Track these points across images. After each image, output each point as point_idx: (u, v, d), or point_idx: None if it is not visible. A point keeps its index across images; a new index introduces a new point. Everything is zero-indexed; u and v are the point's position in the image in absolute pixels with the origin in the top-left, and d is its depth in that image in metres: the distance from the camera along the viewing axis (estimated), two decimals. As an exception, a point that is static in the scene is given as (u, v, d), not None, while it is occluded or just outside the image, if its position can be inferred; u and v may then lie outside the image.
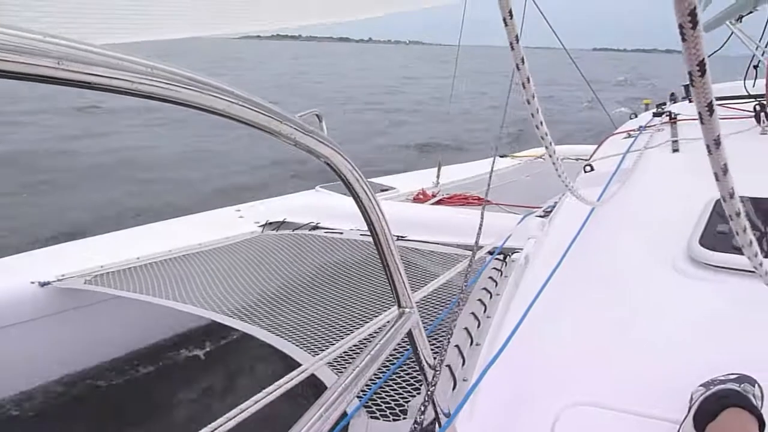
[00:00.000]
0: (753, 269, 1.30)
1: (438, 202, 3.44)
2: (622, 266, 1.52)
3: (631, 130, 2.58)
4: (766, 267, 0.68)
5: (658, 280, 1.41)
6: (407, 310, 0.83)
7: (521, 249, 2.01)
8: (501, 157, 5.35)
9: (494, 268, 1.90)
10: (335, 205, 2.85)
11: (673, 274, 1.40)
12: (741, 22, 2.70)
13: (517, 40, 1.01)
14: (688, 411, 0.89)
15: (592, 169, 2.23)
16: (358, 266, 2.21)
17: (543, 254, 1.78)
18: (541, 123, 1.10)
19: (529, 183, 4.17)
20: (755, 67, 2.42)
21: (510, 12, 0.97)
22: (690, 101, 3.01)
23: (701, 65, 0.45)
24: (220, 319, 1.80)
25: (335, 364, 1.41)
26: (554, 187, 2.34)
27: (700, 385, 0.95)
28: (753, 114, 2.25)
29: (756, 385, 0.92)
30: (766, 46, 2.23)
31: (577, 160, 3.79)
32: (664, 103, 3.20)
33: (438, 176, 3.78)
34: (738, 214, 0.60)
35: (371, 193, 0.70)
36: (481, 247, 2.00)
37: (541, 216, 2.33)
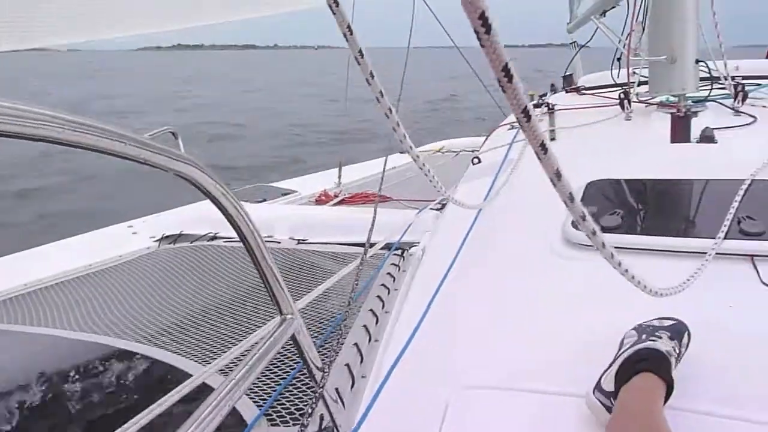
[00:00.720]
0: (622, 246, 1.43)
1: (340, 203, 3.46)
2: (508, 253, 1.61)
3: (514, 122, 2.72)
4: (608, 243, 0.74)
5: (539, 264, 1.50)
6: (288, 316, 0.85)
7: (419, 243, 2.07)
8: (400, 153, 5.47)
9: (392, 264, 1.95)
10: None
11: (551, 256, 1.50)
12: (605, 16, 2.95)
13: (350, 31, 0.93)
14: (614, 359, 0.95)
15: (480, 162, 2.34)
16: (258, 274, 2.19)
17: (437, 247, 1.85)
18: (398, 124, 1.04)
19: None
20: (618, 59, 2.63)
21: (336, 1, 0.90)
22: (567, 92, 3.22)
23: (506, 70, 0.43)
24: (117, 344, 1.73)
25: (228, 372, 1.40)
26: (454, 179, 2.43)
27: (633, 329, 1.02)
28: (618, 102, 2.44)
29: (686, 332, 1.01)
30: (626, 39, 2.41)
31: (473, 151, 3.96)
32: (545, 94, 3.40)
33: (339, 176, 3.81)
34: (572, 200, 0.62)
35: (237, 203, 0.71)
36: (375, 244, 2.05)
37: (437, 209, 2.40)
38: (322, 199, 3.51)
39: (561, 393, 0.99)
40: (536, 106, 2.85)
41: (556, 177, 0.59)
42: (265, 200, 3.38)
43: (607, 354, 0.99)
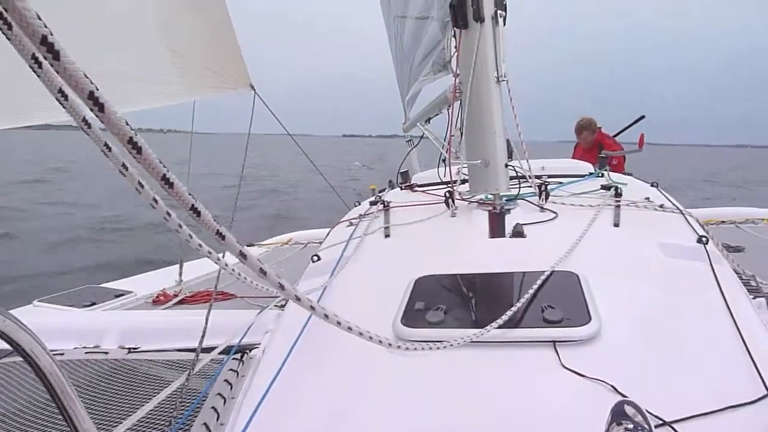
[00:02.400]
0: (446, 340, 1.53)
1: (180, 302, 3.29)
2: (342, 352, 1.64)
3: (353, 218, 2.85)
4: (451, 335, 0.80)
5: (372, 363, 1.55)
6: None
7: (259, 344, 2.02)
8: (248, 246, 5.40)
9: (231, 370, 1.88)
10: (57, 321, 2.54)
11: (384, 354, 1.55)
12: (429, 123, 3.30)
13: (109, 148, 0.67)
14: None
15: (320, 259, 2.39)
16: (83, 389, 1.98)
17: (275, 348, 1.83)
18: (180, 225, 0.85)
19: (276, 271, 4.26)
20: (443, 160, 2.91)
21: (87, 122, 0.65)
22: (401, 188, 3.46)
23: (133, 143, 0.47)
24: None
25: None
26: (302, 273, 2.43)
27: None
28: (444, 200, 2.68)
29: None
30: (447, 142, 2.68)
31: (320, 243, 4.03)
32: (384, 190, 3.62)
33: (180, 273, 3.64)
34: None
35: (26, 329, 0.66)
36: (214, 348, 1.97)
37: (280, 306, 2.38)
38: (160, 300, 3.30)
39: None
40: (373, 203, 3.02)
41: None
42: (94, 303, 3.12)
43: None
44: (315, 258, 2.40)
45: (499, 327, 1.49)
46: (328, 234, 2.87)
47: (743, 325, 1.51)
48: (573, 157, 6.53)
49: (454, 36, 2.61)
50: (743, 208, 5.72)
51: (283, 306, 2.35)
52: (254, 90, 4.36)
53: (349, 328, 1.01)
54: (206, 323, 1.81)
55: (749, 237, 4.58)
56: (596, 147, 6.44)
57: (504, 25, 2.53)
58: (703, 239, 2.07)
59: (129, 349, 2.24)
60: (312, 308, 0.87)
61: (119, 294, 3.25)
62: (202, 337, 1.73)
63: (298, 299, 0.89)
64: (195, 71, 2.90)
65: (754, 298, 1.88)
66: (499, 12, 2.49)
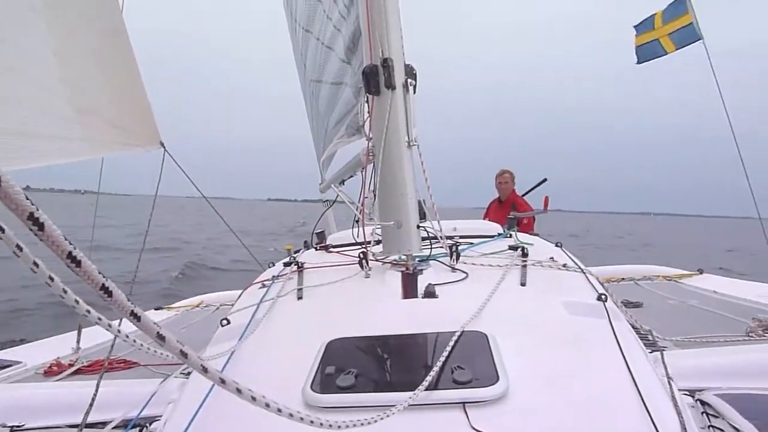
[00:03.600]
0: (356, 405, 1.49)
1: (76, 372, 3.02)
2: (248, 422, 1.55)
3: (265, 280, 2.77)
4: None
5: (283, 426, 1.47)
6: None
7: (161, 417, 1.88)
8: (156, 309, 5.11)
9: None
10: None
11: (290, 422, 1.48)
12: (344, 184, 3.34)
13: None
14: None
15: (229, 323, 2.30)
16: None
17: (177, 420, 1.70)
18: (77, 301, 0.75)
19: (185, 336, 4.04)
20: (357, 221, 2.93)
21: None
22: (316, 249, 3.44)
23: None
24: None
25: None
26: (212, 337, 2.31)
27: None
28: (358, 261, 2.68)
29: None
30: (361, 204, 2.70)
31: (232, 305, 3.88)
32: (299, 250, 3.57)
33: (78, 340, 3.36)
34: None
35: None
36: (107, 423, 1.81)
37: (186, 373, 2.24)
38: (52, 370, 3.00)
39: None
40: (287, 264, 2.97)
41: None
42: None
43: None
44: (224, 322, 2.30)
45: (409, 389, 1.48)
46: (239, 296, 2.78)
47: (640, 380, 1.58)
48: (484, 218, 6.80)
49: (367, 101, 2.69)
50: (641, 265, 6.13)
51: (189, 373, 2.21)
52: (164, 148, 4.25)
53: (253, 398, 0.95)
54: (95, 394, 1.66)
55: (646, 293, 4.89)
56: (509, 206, 6.75)
57: (414, 92, 2.65)
58: (603, 297, 2.18)
59: (11, 427, 2.01)
60: (222, 381, 0.81)
61: (5, 365, 2.95)
62: (87, 411, 1.58)
63: (205, 370, 0.83)
64: (99, 127, 2.79)
65: (651, 352, 1.98)
66: (409, 81, 2.61)
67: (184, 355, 0.75)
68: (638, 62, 5.93)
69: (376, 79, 2.57)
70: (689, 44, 5.09)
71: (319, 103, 4.14)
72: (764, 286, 4.59)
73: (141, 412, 1.95)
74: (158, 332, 0.73)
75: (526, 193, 7.06)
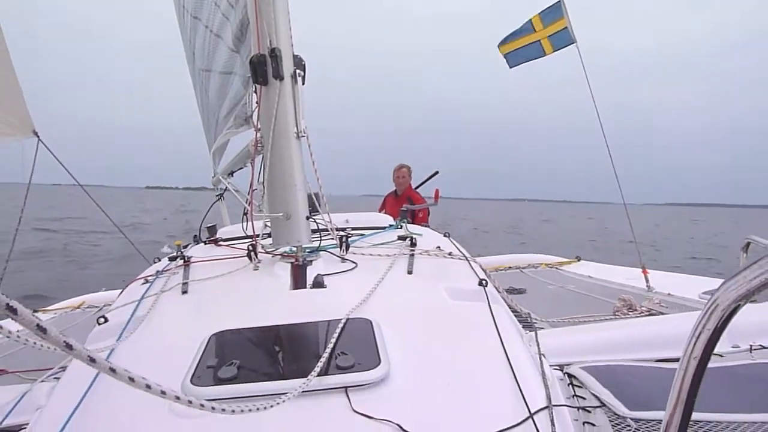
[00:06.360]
0: (237, 396, 1.47)
1: None
2: (127, 420, 1.49)
3: (149, 276, 2.66)
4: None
5: (156, 428, 1.43)
6: None
7: (27, 424, 1.75)
8: (32, 312, 4.73)
9: None
10: None
11: (171, 417, 1.44)
12: (232, 176, 3.26)
13: None
14: None
15: (107, 321, 2.18)
16: None
17: (45, 425, 1.60)
18: None
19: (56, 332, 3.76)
20: (245, 213, 2.88)
21: None
22: (206, 243, 3.34)
23: None
24: None
25: None
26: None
27: None
28: (246, 253, 2.63)
29: None
30: (250, 196, 2.66)
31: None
32: (188, 245, 3.45)
33: None
34: None
35: None
36: None
37: (56, 379, 2.11)
38: None
39: None
40: (172, 258, 2.86)
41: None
42: None
43: None
44: (101, 320, 2.17)
45: (292, 377, 1.49)
46: (120, 294, 2.64)
47: (514, 358, 1.69)
48: (380, 210, 6.92)
49: (255, 92, 2.64)
50: (527, 255, 6.55)
51: (58, 378, 2.08)
52: (38, 137, 3.94)
53: (148, 386, 0.90)
54: None
55: (530, 280, 5.23)
56: (404, 199, 6.91)
57: (303, 83, 2.64)
58: (483, 282, 2.30)
59: None
60: (112, 370, 0.76)
61: None
62: None
63: (92, 360, 0.78)
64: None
65: (528, 333, 2.13)
66: (297, 71, 2.60)
67: (68, 346, 0.70)
68: (511, 66, 6.22)
69: (263, 68, 2.54)
70: (565, 47, 5.47)
71: (210, 94, 4.01)
72: (632, 270, 5.07)
73: (4, 420, 1.81)
74: (38, 324, 0.68)
75: (419, 185, 7.25)
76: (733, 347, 2.11)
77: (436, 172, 7.08)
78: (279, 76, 2.52)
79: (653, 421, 1.53)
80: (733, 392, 1.73)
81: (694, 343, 0.79)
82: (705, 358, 0.78)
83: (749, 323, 2.31)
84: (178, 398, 0.93)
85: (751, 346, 2.11)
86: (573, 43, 5.41)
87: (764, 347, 2.11)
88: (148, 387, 0.89)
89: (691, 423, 1.55)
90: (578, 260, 6.04)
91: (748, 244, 2.17)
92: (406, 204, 6.35)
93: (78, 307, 4.87)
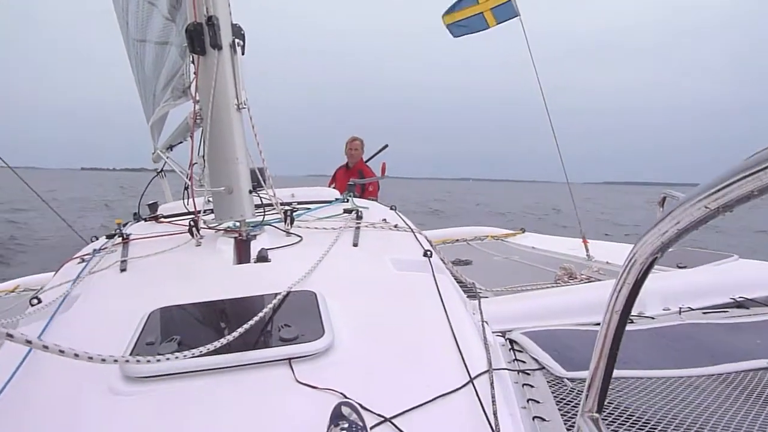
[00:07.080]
0: (178, 372, 1.45)
1: None
2: (61, 400, 1.44)
3: (85, 255, 2.56)
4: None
5: (94, 407, 1.39)
6: None
7: None
8: None
9: None
10: None
11: (108, 396, 1.41)
12: (172, 150, 3.15)
13: None
14: None
15: (40, 301, 2.09)
16: None
17: None
18: None
19: None
20: (186, 189, 2.80)
21: None
22: (146, 220, 3.24)
23: None
24: None
25: None
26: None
27: None
28: (188, 229, 2.57)
29: None
30: (190, 170, 2.59)
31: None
32: (127, 223, 3.34)
33: None
34: None
35: None
36: None
37: None
38: None
39: None
40: (109, 236, 2.76)
41: None
42: None
43: None
44: (34, 301, 2.08)
45: (234, 351, 1.47)
46: (55, 273, 2.54)
47: (456, 326, 1.73)
48: (330, 184, 6.86)
49: (193, 62, 2.55)
50: (473, 227, 6.66)
51: None
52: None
53: (76, 355, 0.87)
54: None
55: (476, 251, 5.34)
56: (355, 172, 6.86)
57: (243, 53, 2.57)
58: (428, 253, 2.33)
59: None
60: (28, 341, 0.73)
61: None
62: None
63: (9, 336, 0.75)
64: None
65: (471, 302, 2.17)
66: (237, 41, 2.52)
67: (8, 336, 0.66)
68: (455, 36, 6.20)
69: (201, 38, 2.44)
70: (508, 20, 5.50)
71: (145, 65, 3.85)
72: (573, 241, 5.25)
73: None
74: None
75: (369, 158, 7.23)
76: (664, 309, 2.23)
77: (386, 146, 7.06)
78: (217, 46, 2.44)
79: None
80: (662, 351, 1.83)
81: (616, 297, 0.82)
82: (626, 310, 0.82)
83: (679, 286, 2.44)
84: (127, 361, 0.90)
85: (680, 308, 2.23)
86: (516, 16, 5.45)
87: (692, 309, 2.23)
88: (77, 356, 0.86)
89: (622, 379, 1.63)
90: (522, 232, 6.19)
91: (664, 198, 2.27)
92: (356, 177, 6.33)
93: (12, 291, 4.66)
